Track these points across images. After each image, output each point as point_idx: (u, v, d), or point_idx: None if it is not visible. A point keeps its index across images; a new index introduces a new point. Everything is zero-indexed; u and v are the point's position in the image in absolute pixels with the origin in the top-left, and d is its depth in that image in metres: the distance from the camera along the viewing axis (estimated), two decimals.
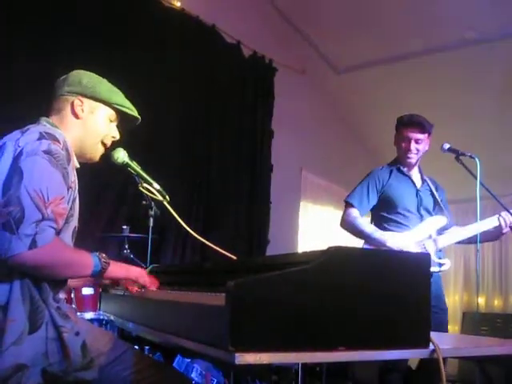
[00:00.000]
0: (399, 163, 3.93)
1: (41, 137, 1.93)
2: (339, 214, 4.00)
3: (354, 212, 3.81)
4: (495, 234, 3.79)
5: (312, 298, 1.46)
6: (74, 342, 1.87)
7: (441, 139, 3.79)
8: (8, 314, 1.79)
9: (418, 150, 3.81)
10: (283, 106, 6.93)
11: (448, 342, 2.18)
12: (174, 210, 2.60)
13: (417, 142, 3.80)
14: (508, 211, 3.70)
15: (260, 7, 6.72)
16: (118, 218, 4.75)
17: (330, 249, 1.51)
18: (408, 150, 3.82)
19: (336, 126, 8.09)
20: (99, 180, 4.42)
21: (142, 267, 2.75)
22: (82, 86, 2.20)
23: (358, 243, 3.77)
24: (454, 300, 8.42)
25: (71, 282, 2.31)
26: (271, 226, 6.64)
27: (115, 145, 2.41)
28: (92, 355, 1.92)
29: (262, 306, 1.41)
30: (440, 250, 3.72)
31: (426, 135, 3.83)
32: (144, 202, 2.97)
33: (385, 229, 3.76)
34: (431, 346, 1.64)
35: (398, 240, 3.59)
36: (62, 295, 2.06)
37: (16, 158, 1.87)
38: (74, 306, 3.56)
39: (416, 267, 1.64)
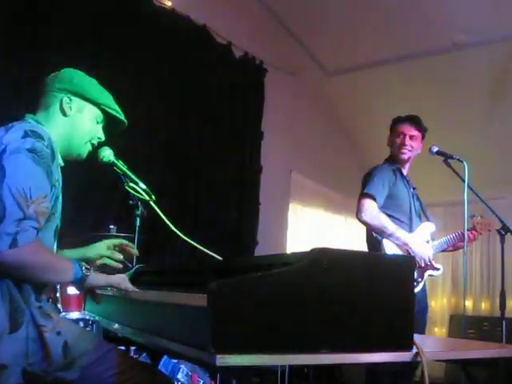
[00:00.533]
0: (398, 164, 3.96)
1: (25, 135, 1.92)
2: (328, 215, 4.02)
3: (375, 205, 3.74)
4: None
5: (295, 300, 1.46)
6: (54, 342, 1.86)
7: (429, 141, 3.81)
8: None
9: (412, 147, 3.85)
10: (273, 108, 6.92)
11: (432, 344, 2.18)
12: (161, 210, 2.59)
13: (411, 138, 3.87)
14: (495, 214, 3.72)
15: (251, 8, 6.71)
16: (105, 218, 4.72)
17: (313, 250, 1.51)
18: (403, 144, 3.87)
19: (326, 128, 8.09)
20: (86, 179, 4.39)
21: (128, 267, 2.74)
22: (72, 84, 2.20)
23: (347, 245, 3.78)
24: (441, 303, 8.43)
25: None
26: (260, 228, 6.62)
27: (104, 143, 2.41)
28: (74, 355, 1.90)
29: (245, 307, 1.40)
30: None
31: (420, 135, 3.90)
32: (131, 202, 2.95)
33: None
34: (414, 349, 1.64)
35: (418, 242, 3.63)
36: (44, 296, 2.04)
37: None
38: (59, 305, 3.54)
39: (400, 270, 1.65)
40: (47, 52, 4.37)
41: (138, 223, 3.10)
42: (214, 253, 2.51)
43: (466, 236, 3.72)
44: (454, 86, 6.56)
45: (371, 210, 3.73)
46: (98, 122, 2.28)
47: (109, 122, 2.33)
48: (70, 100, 2.19)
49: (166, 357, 3.95)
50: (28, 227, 1.79)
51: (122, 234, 3.97)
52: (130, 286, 2.13)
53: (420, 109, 5.75)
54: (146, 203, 2.78)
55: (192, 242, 2.60)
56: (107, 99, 2.29)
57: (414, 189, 4.00)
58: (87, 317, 3.51)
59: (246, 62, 6.69)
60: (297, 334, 1.46)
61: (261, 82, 6.88)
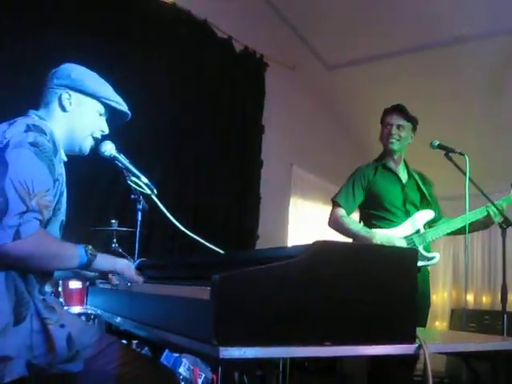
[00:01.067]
0: (384, 158, 3.96)
1: (27, 129, 1.93)
2: (329, 209, 4.00)
3: (341, 211, 3.82)
4: (485, 224, 3.82)
5: (297, 293, 1.46)
6: (59, 334, 1.86)
7: (430, 136, 3.79)
8: None
9: (400, 137, 3.84)
10: (274, 102, 6.92)
11: (434, 337, 2.18)
12: (163, 204, 2.59)
13: (398, 127, 3.84)
14: (496, 208, 3.71)
15: (252, 2, 6.71)
16: (107, 212, 4.73)
17: (315, 243, 1.51)
18: (389, 134, 3.85)
19: (327, 122, 8.09)
20: (88, 174, 4.40)
21: (130, 261, 2.74)
22: (70, 79, 2.20)
23: (349, 240, 3.77)
24: (442, 297, 8.44)
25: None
26: (261, 222, 6.63)
27: (105, 137, 2.41)
28: (77, 348, 1.91)
29: (247, 299, 1.40)
30: (428, 244, 3.73)
31: (409, 124, 3.88)
32: (132, 196, 2.95)
33: (373, 226, 3.76)
34: (417, 342, 1.64)
35: (383, 236, 3.60)
36: (48, 288, 2.05)
37: (2, 150, 1.87)
38: (61, 299, 3.55)
39: (402, 262, 1.65)
40: (45, 48, 4.37)
41: (139, 217, 3.10)
42: (215, 247, 2.51)
43: (467, 230, 3.70)
44: (455, 79, 6.54)
45: (334, 216, 3.84)
46: (100, 115, 2.28)
47: (112, 113, 2.33)
48: (70, 95, 2.20)
49: (167, 351, 3.96)
50: (31, 218, 1.79)
51: (124, 229, 3.99)
52: (134, 275, 2.14)
53: (420, 102, 5.77)
54: (147, 197, 2.78)
55: (194, 236, 2.60)
56: (107, 91, 2.29)
57: (410, 178, 3.98)
58: (89, 311, 3.52)
59: (247, 57, 6.70)
60: (300, 326, 1.46)
61: (261, 77, 6.89)
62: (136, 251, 3.03)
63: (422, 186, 3.94)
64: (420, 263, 3.61)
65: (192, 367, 4.07)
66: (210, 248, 2.55)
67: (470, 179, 3.59)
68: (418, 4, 5.97)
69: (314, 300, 1.48)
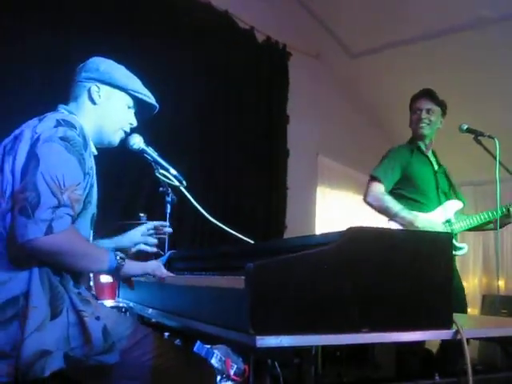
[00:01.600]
0: (417, 142, 3.93)
1: (57, 124, 1.94)
2: (357, 198, 3.98)
3: (381, 187, 3.74)
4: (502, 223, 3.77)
5: (332, 279, 1.45)
6: (95, 326, 1.87)
7: (458, 121, 3.75)
8: (30, 300, 1.79)
9: (430, 121, 3.82)
10: (298, 91, 6.88)
11: (470, 323, 2.16)
12: (192, 196, 2.59)
13: (428, 112, 3.83)
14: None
15: None
16: (136, 206, 4.75)
17: (349, 229, 1.49)
18: (419, 119, 3.84)
19: (351, 110, 8.02)
20: (116, 168, 4.42)
21: (160, 254, 2.75)
22: (99, 73, 2.21)
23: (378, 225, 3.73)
24: (473, 283, 8.37)
25: None
26: (288, 212, 6.62)
27: (132, 131, 2.41)
28: (113, 339, 1.92)
29: (282, 288, 1.40)
30: (456, 234, 3.71)
31: (439, 108, 3.87)
32: (161, 189, 2.95)
33: (408, 208, 3.71)
34: (454, 327, 1.62)
35: (425, 220, 3.57)
36: (82, 284, 2.06)
37: (33, 145, 1.88)
38: (93, 293, 3.57)
39: (438, 247, 1.62)
40: (70, 41, 4.41)
41: (168, 210, 3.10)
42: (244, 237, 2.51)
43: (498, 216, 3.66)
44: (480, 62, 6.44)
45: (375, 192, 3.74)
46: (128, 108, 2.28)
47: (139, 106, 2.33)
48: (99, 88, 2.20)
49: (199, 342, 3.97)
50: (63, 214, 1.80)
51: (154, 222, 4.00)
52: (165, 273, 2.14)
53: (446, 87, 5.69)
54: (175, 189, 2.78)
55: (224, 227, 2.60)
56: (135, 84, 2.29)
57: (440, 166, 3.95)
58: (121, 304, 3.54)
59: (270, 47, 6.67)
60: (336, 313, 1.45)
61: (285, 66, 6.85)
62: (166, 244, 3.03)
63: (450, 175, 3.91)
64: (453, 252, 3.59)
65: (224, 358, 4.07)
66: (239, 238, 2.54)
67: (500, 163, 3.54)
68: None
69: (349, 286, 1.47)
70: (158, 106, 2.38)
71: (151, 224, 2.52)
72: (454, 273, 3.74)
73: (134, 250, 2.43)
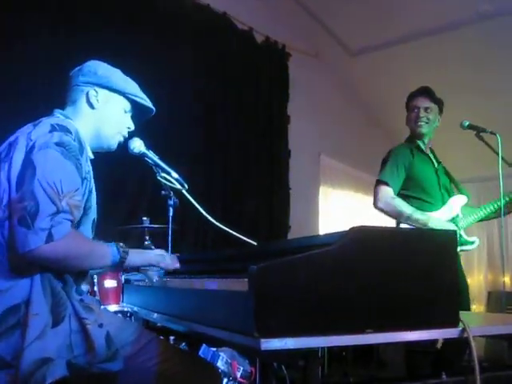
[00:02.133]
0: (416, 141, 3.92)
1: (52, 129, 1.92)
2: (359, 197, 3.97)
3: (390, 191, 3.72)
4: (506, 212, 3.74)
5: (336, 280, 1.44)
6: (97, 334, 1.86)
7: (459, 117, 3.74)
8: (30, 308, 1.78)
9: (428, 119, 3.82)
10: (298, 91, 6.89)
11: (476, 320, 2.14)
12: (193, 199, 2.58)
13: (426, 110, 3.82)
14: None
15: None
16: (138, 210, 4.75)
17: (352, 229, 1.48)
18: (417, 117, 3.82)
19: (352, 109, 8.03)
20: (117, 172, 4.42)
21: None
22: (96, 77, 2.19)
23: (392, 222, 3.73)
24: (478, 279, 8.36)
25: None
26: (291, 212, 6.62)
27: (131, 134, 2.40)
28: (117, 346, 1.91)
29: (286, 289, 1.38)
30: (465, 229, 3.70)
31: (436, 106, 3.85)
32: (163, 192, 2.94)
33: (416, 208, 3.69)
34: (460, 326, 1.61)
35: (437, 220, 3.56)
36: (84, 287, 2.05)
37: (28, 152, 1.86)
38: (97, 298, 3.56)
39: (442, 245, 1.61)
40: (69, 43, 4.42)
41: (171, 213, 3.09)
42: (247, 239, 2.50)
43: (502, 210, 3.65)
44: (482, 58, 6.43)
45: (385, 196, 3.70)
46: (125, 112, 2.27)
47: (137, 110, 2.32)
48: (97, 92, 2.18)
49: (204, 345, 3.96)
50: (62, 220, 1.78)
51: (156, 226, 3.99)
52: (169, 262, 2.13)
53: (447, 84, 5.68)
54: (177, 193, 2.77)
55: (226, 229, 2.59)
56: (133, 88, 2.28)
57: (439, 163, 3.94)
58: (125, 309, 3.53)
59: (269, 47, 6.68)
60: (341, 314, 1.44)
61: (285, 66, 6.86)
62: (169, 247, 3.02)
63: (449, 172, 3.90)
64: (461, 247, 3.58)
65: (230, 361, 4.06)
66: (243, 240, 2.53)
67: (503, 158, 3.53)
68: None
69: (354, 287, 1.45)
70: (154, 109, 2.37)
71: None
72: (459, 270, 3.75)
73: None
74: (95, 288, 3.62)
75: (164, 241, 3.41)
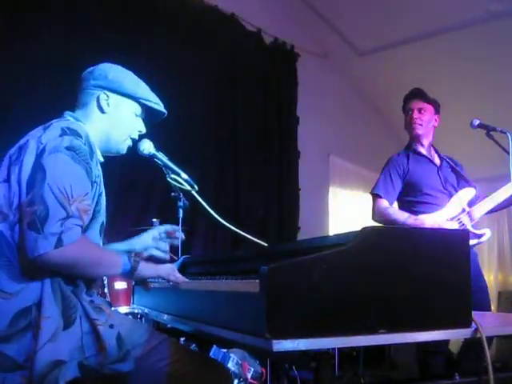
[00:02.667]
0: (413, 144, 3.93)
1: (63, 133, 1.91)
2: (369, 198, 3.96)
3: (383, 202, 3.77)
4: None
5: (349, 280, 1.43)
6: (108, 335, 1.86)
7: (468, 116, 3.72)
8: (42, 311, 1.77)
9: (422, 120, 3.82)
10: (307, 92, 6.88)
11: (488, 320, 2.13)
12: (203, 200, 2.58)
13: (419, 111, 3.84)
14: None
15: None
16: (148, 211, 4.76)
17: (365, 229, 1.47)
18: (412, 119, 3.84)
19: (361, 109, 8.00)
20: (127, 174, 4.43)
21: (173, 259, 2.73)
22: (107, 80, 2.18)
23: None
24: (488, 280, 8.29)
25: None
26: (301, 213, 6.61)
27: (141, 136, 2.40)
28: (127, 347, 1.90)
29: (298, 290, 1.38)
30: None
31: (430, 106, 3.86)
32: (173, 194, 2.94)
33: (415, 213, 3.70)
34: (473, 326, 1.59)
35: (433, 220, 3.55)
36: (94, 290, 2.04)
37: (39, 156, 1.85)
38: (107, 300, 3.57)
39: (454, 244, 1.60)
40: (78, 45, 4.44)
41: (180, 215, 3.09)
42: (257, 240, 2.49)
43: None
44: (491, 57, 6.40)
45: (379, 208, 3.77)
46: (136, 116, 2.26)
47: (148, 113, 2.31)
48: (108, 96, 2.17)
49: (215, 347, 3.96)
50: (72, 225, 1.78)
51: None
52: (179, 277, 2.12)
53: (457, 84, 5.66)
54: (187, 194, 2.77)
55: (236, 230, 2.58)
56: (145, 91, 2.26)
57: (442, 160, 3.93)
58: (136, 310, 3.54)
59: (277, 48, 6.68)
60: (353, 314, 1.43)
61: (293, 67, 6.86)
62: (179, 249, 3.02)
63: (455, 168, 3.89)
64: (472, 242, 3.55)
65: (241, 362, 4.06)
66: (253, 241, 2.53)
67: None
68: None
69: (366, 287, 1.44)
70: (166, 112, 2.36)
71: (162, 228, 2.49)
72: (477, 270, 3.72)
73: (145, 254, 2.40)
74: (105, 290, 3.63)
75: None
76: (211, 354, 3.89)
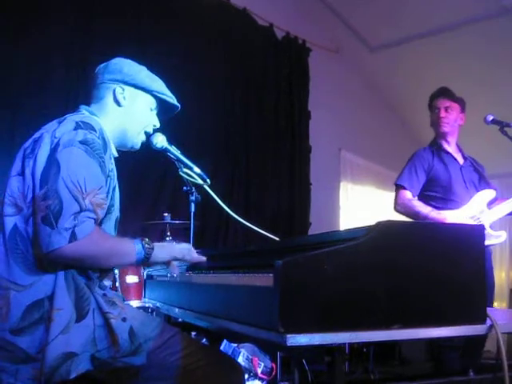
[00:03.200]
0: (438, 141, 3.97)
1: (77, 126, 1.91)
2: (380, 193, 4.00)
3: (407, 194, 3.82)
4: None
5: (363, 275, 1.42)
6: (121, 328, 1.86)
7: (482, 111, 3.71)
8: (54, 303, 1.78)
9: (448, 119, 3.87)
10: (319, 87, 6.86)
11: (502, 317, 2.11)
12: (215, 194, 2.57)
13: (446, 109, 3.88)
14: None
15: None
16: (159, 206, 4.76)
17: (379, 223, 1.46)
18: (439, 117, 3.89)
19: (373, 104, 7.97)
20: (139, 168, 4.43)
21: None
22: (123, 74, 2.18)
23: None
24: (500, 277, 8.27)
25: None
26: (312, 208, 6.60)
27: (154, 130, 2.39)
28: (140, 340, 1.90)
29: (312, 284, 1.37)
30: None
31: (457, 105, 3.91)
32: (185, 188, 2.94)
33: (436, 208, 3.75)
34: (488, 322, 1.58)
35: (455, 217, 3.57)
36: (107, 282, 2.04)
37: (53, 150, 1.85)
38: (119, 293, 3.57)
39: (470, 240, 1.59)
40: (91, 41, 4.45)
41: (192, 209, 3.08)
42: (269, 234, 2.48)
43: None
44: (505, 52, 6.35)
45: (402, 199, 3.82)
46: (151, 110, 2.26)
47: (162, 107, 2.31)
48: (123, 90, 2.17)
49: (225, 341, 3.96)
50: (85, 218, 1.78)
51: (177, 221, 3.99)
52: (195, 256, 2.11)
53: (470, 79, 5.62)
54: (199, 188, 2.76)
55: (248, 224, 2.57)
56: (159, 85, 2.26)
57: (466, 160, 3.94)
58: (147, 305, 3.54)
59: (289, 43, 6.66)
60: (367, 309, 1.42)
61: (305, 62, 6.84)
62: (191, 243, 3.02)
63: (477, 168, 3.90)
64: (487, 242, 3.55)
65: (251, 357, 4.06)
66: (264, 235, 2.52)
67: None
68: None
69: (380, 282, 1.43)
70: (179, 106, 2.36)
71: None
72: (489, 268, 3.72)
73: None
74: (117, 284, 3.63)
75: (185, 236, 3.42)
76: (221, 348, 3.89)
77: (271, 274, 1.39)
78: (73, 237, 1.74)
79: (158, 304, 2.82)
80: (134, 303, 3.63)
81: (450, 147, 3.95)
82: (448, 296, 1.53)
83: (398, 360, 5.06)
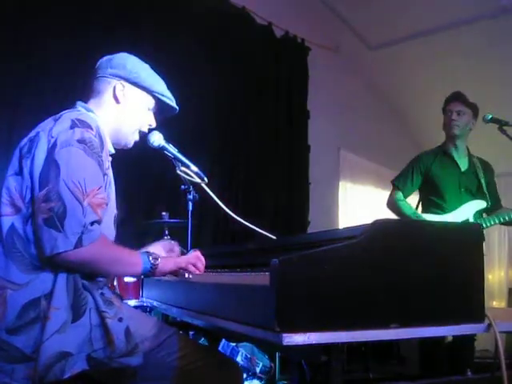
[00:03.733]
0: (446, 145, 4.04)
1: (73, 125, 1.89)
2: (379, 192, 4.08)
3: (398, 194, 4.00)
4: None
5: (360, 274, 1.41)
6: (117, 328, 1.84)
7: (482, 111, 3.72)
8: (52, 302, 1.77)
9: (460, 122, 3.91)
10: (318, 86, 6.84)
11: (500, 316, 2.11)
12: (213, 193, 2.56)
13: (458, 113, 3.92)
14: None
15: None
16: (157, 204, 4.75)
17: (376, 222, 1.46)
18: (450, 120, 3.93)
19: (372, 103, 7.96)
20: (136, 166, 4.41)
21: (183, 252, 2.72)
22: (126, 70, 2.16)
23: None
24: (499, 276, 8.27)
25: None
26: (311, 208, 6.60)
27: (150, 129, 2.38)
28: (136, 341, 1.89)
29: (309, 283, 1.36)
30: None
31: (469, 110, 3.94)
32: (182, 187, 2.93)
33: (430, 211, 3.90)
34: (486, 321, 1.57)
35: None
36: (105, 281, 2.03)
37: (51, 150, 1.83)
38: (118, 293, 3.56)
39: (468, 238, 1.58)
40: (94, 36, 4.44)
41: (190, 208, 3.08)
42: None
43: None
44: (503, 52, 6.35)
45: (393, 198, 4.04)
46: (149, 109, 2.25)
47: (160, 107, 2.30)
48: (123, 87, 2.15)
49: (224, 340, 3.95)
50: (93, 224, 1.78)
51: (175, 220, 3.98)
52: (200, 267, 2.09)
53: (470, 79, 5.62)
54: (197, 186, 2.75)
55: (246, 223, 2.57)
56: (160, 86, 2.25)
57: (471, 166, 4.01)
58: (145, 304, 3.53)
59: (288, 42, 6.64)
60: (365, 308, 1.41)
61: (304, 61, 6.82)
62: (188, 242, 3.01)
63: (480, 175, 3.92)
64: None
65: (249, 356, 4.06)
66: (262, 234, 2.51)
67: None
68: None
69: (377, 281, 1.43)
70: (177, 109, 2.34)
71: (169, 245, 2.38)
72: None
73: None
74: (115, 282, 3.62)
75: (183, 235, 3.41)
76: (220, 348, 3.89)
77: (268, 273, 1.38)
78: (79, 242, 1.73)
79: (155, 303, 2.81)
80: (132, 302, 3.62)
81: (457, 151, 4.00)
82: (446, 295, 1.52)
83: (396, 359, 5.05)
